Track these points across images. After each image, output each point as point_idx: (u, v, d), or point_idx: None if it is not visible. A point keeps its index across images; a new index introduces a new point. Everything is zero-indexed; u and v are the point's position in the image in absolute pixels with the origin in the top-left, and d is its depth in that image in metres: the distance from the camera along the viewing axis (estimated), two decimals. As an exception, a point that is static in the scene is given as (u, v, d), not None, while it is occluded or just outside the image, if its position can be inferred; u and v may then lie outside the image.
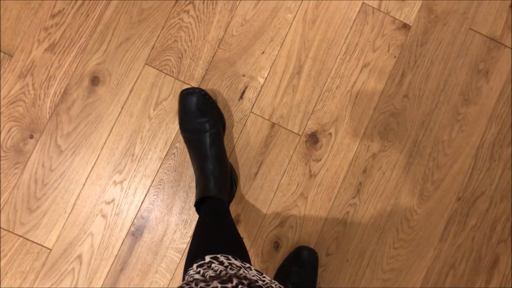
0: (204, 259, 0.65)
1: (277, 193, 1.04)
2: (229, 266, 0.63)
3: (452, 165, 1.07)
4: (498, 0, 1.11)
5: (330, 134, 1.05)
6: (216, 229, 0.80)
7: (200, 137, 0.93)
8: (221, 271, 0.61)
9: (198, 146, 0.93)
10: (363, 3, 1.08)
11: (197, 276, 0.60)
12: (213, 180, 0.89)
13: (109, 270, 1.00)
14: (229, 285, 0.54)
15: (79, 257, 1.00)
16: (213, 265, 0.63)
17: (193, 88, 0.96)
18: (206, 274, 0.60)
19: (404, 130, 1.07)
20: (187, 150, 1.03)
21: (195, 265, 0.64)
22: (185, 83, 1.04)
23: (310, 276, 0.98)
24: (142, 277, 1.01)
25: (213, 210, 0.86)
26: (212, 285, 0.54)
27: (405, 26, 1.09)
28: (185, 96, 0.96)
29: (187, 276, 0.62)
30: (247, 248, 1.02)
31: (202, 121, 0.94)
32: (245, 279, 0.57)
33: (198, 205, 0.89)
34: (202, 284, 0.55)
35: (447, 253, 1.05)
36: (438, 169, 1.06)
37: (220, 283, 0.54)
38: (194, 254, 0.68)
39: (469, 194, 1.07)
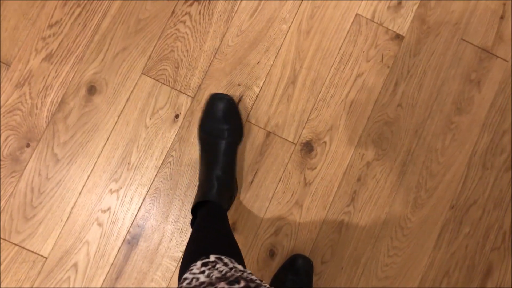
0: (209, 258, 0.63)
1: (272, 201, 1.05)
2: (234, 269, 0.62)
3: (445, 173, 1.08)
4: (489, 12, 1.13)
5: (325, 142, 1.07)
6: (215, 233, 0.80)
7: (216, 142, 0.95)
8: (226, 272, 0.60)
9: (211, 150, 0.95)
10: (357, 14, 1.10)
11: (202, 278, 0.59)
12: (216, 187, 0.90)
13: (104, 279, 1.01)
14: (236, 286, 0.53)
15: (75, 265, 1.00)
16: (217, 265, 0.62)
17: (223, 95, 0.99)
18: (211, 275, 0.59)
19: (398, 139, 1.08)
20: (181, 160, 1.04)
21: (199, 262, 0.63)
22: (181, 92, 1.05)
23: (305, 284, 0.99)
24: (138, 286, 1.01)
25: (212, 214, 0.87)
26: (219, 286, 0.54)
27: (398, 37, 1.10)
28: (215, 100, 0.99)
29: (189, 275, 0.60)
30: (243, 256, 1.02)
31: (223, 127, 0.96)
32: (252, 282, 0.56)
33: (195, 208, 0.90)
34: None
35: (441, 261, 1.06)
36: (432, 178, 1.08)
37: (227, 284, 0.54)
38: (193, 257, 0.67)
39: (462, 202, 1.08)
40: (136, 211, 1.03)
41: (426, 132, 1.08)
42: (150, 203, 1.03)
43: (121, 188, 1.03)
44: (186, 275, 0.62)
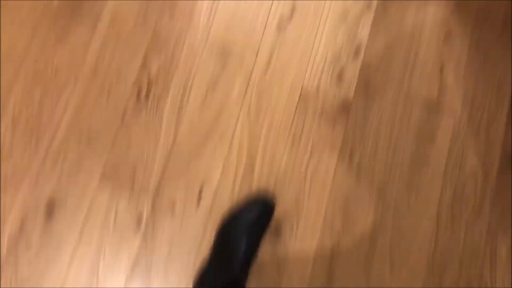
0: None
1: (249, 291, 1.03)
2: None
3: (416, 234, 1.08)
4: (429, 64, 1.17)
5: (291, 225, 1.06)
6: None
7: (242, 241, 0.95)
8: None
9: (234, 248, 0.94)
10: (302, 87, 1.13)
11: None
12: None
13: None
14: None
15: None
16: None
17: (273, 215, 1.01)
18: None
19: (361, 209, 1.08)
20: (150, 266, 1.02)
21: None
22: (141, 195, 1.05)
23: None
24: None
25: None
26: None
27: (345, 104, 1.13)
28: (266, 210, 0.99)
29: None
30: None
31: (258, 232, 0.98)
32: None
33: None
34: None
35: (428, 324, 1.04)
36: (404, 240, 1.07)
37: None
38: None
39: (438, 260, 1.07)
40: (111, 328, 1.00)
41: (389, 197, 1.09)
42: (124, 317, 1.00)
43: (92, 306, 1.00)
44: None
